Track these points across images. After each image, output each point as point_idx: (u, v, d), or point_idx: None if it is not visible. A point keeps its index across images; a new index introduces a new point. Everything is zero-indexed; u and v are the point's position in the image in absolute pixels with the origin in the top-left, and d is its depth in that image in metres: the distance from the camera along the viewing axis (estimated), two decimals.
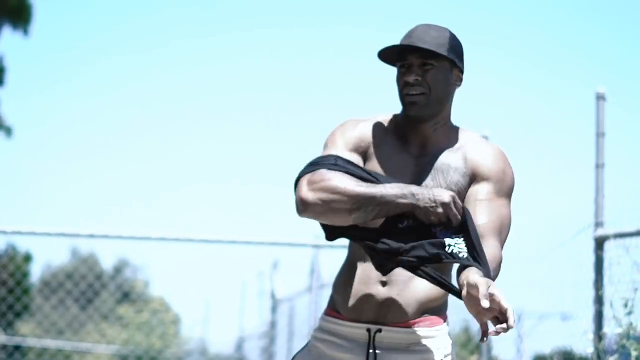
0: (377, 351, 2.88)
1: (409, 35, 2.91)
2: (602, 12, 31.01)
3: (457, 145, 2.94)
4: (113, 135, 36.92)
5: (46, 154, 36.14)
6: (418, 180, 2.87)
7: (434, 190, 2.72)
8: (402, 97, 2.92)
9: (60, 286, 13.02)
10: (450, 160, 2.91)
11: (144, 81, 37.90)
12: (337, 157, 2.83)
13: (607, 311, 5.51)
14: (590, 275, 5.72)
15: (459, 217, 2.70)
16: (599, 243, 5.69)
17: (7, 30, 20.00)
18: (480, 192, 2.86)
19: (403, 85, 2.91)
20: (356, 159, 2.91)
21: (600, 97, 5.90)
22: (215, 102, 37.24)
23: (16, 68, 30.54)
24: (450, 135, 2.96)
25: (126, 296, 19.42)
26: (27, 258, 17.61)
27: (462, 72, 2.96)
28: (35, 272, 20.43)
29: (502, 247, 2.82)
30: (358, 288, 2.91)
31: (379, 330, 2.88)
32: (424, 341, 2.89)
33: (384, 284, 2.88)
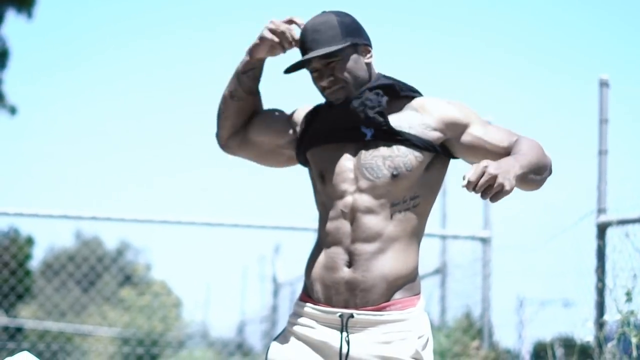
0: (350, 337, 2.90)
1: (302, 41, 3.01)
2: None
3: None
4: (116, 118, 36.96)
5: (50, 137, 36.20)
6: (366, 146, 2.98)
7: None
8: (326, 97, 3.04)
9: (63, 268, 13.04)
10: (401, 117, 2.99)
11: (148, 65, 37.89)
12: None
13: (608, 298, 5.51)
14: (592, 261, 5.71)
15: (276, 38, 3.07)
16: (602, 230, 5.68)
17: (12, 14, 20.04)
18: (473, 136, 2.98)
19: (322, 89, 3.03)
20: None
21: (603, 84, 5.89)
22: (218, 86, 37.14)
23: (20, 51, 30.57)
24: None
25: (128, 279, 19.44)
26: (30, 241, 17.63)
27: (368, 44, 3.03)
28: (38, 255, 20.45)
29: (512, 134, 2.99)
30: (326, 272, 2.96)
31: (352, 316, 2.90)
32: (396, 325, 2.90)
33: (349, 265, 2.93)
